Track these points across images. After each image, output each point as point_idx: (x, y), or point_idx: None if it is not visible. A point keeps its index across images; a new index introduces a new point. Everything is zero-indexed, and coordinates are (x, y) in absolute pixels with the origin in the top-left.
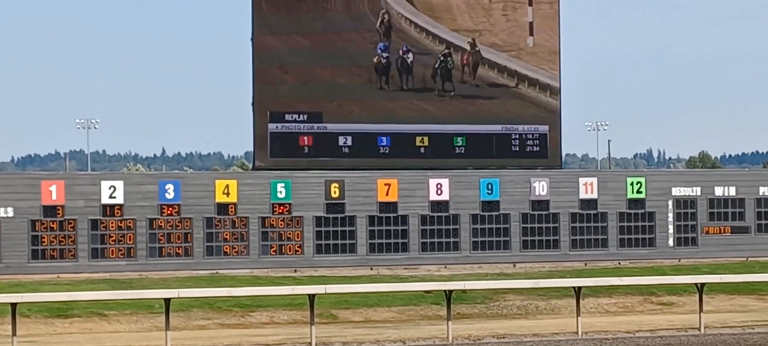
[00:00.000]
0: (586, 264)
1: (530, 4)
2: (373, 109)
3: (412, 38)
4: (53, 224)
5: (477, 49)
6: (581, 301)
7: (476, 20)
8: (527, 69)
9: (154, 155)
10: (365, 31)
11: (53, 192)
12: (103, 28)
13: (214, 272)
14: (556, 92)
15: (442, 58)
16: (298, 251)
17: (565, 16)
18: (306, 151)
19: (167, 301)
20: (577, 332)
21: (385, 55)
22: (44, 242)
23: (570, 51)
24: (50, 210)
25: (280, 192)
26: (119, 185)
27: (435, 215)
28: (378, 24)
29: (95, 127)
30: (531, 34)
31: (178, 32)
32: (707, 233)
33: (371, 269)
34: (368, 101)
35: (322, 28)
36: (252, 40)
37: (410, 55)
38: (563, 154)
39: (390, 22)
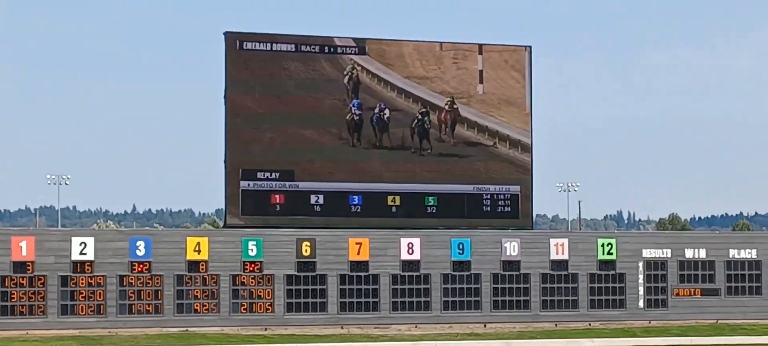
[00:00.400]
0: (556, 325)
1: (480, 53)
2: (345, 167)
3: (385, 97)
4: (23, 280)
5: (455, 107)
6: None
7: (427, 68)
8: (501, 125)
9: (125, 212)
10: (336, 90)
11: (23, 248)
12: (75, 83)
13: (185, 329)
14: (527, 149)
15: (419, 117)
16: (269, 309)
17: (536, 76)
18: (278, 209)
19: None
20: None
21: (358, 112)
22: (13, 298)
23: (541, 111)
24: (20, 266)
25: (252, 250)
26: (90, 241)
27: (406, 274)
28: (346, 81)
29: (66, 183)
30: (480, 82)
31: (150, 89)
32: (677, 295)
33: (342, 327)
34: (340, 160)
35: (293, 87)
36: (225, 97)
37: (387, 112)
38: (534, 215)
39: (358, 79)
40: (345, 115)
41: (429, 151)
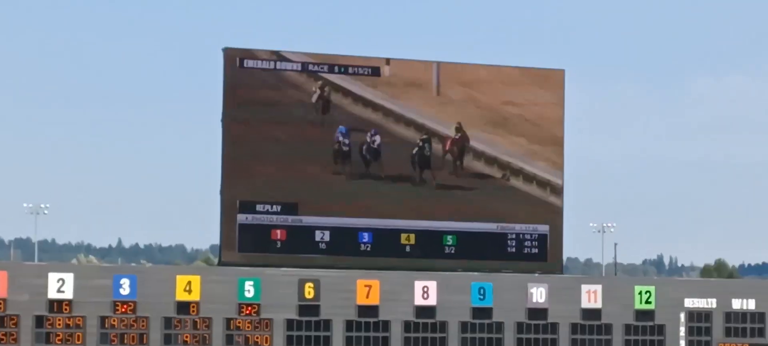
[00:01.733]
0: None
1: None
2: (353, 201)
3: (378, 124)
4: None
5: (465, 134)
6: None
7: (448, 92)
8: (525, 161)
9: (109, 246)
10: (356, 128)
11: None
12: (54, 103)
13: None
14: (557, 188)
15: (420, 145)
16: None
17: (569, 103)
18: (278, 246)
19: None
20: None
21: (346, 141)
22: None
23: (574, 143)
24: None
25: (248, 291)
26: (69, 277)
27: (420, 321)
28: (315, 99)
29: (44, 213)
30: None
31: (139, 111)
32: None
33: None
34: (348, 193)
35: (299, 111)
36: (222, 121)
37: (377, 138)
38: (564, 258)
39: (329, 97)
40: (333, 144)
41: (431, 182)
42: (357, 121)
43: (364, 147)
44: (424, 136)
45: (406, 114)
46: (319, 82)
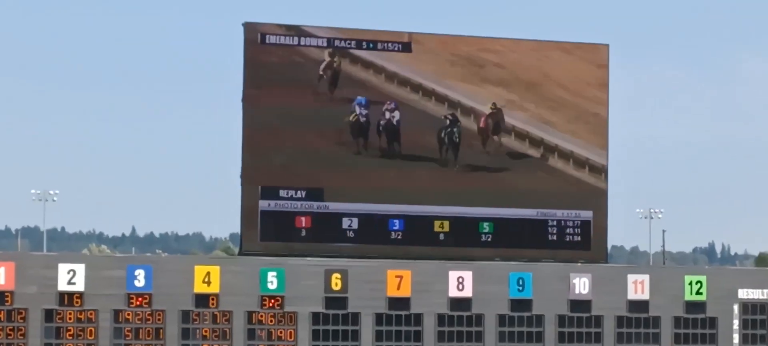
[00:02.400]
0: None
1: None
2: (383, 185)
3: (400, 96)
4: (0, 313)
5: (500, 109)
6: None
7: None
8: (566, 140)
9: (123, 235)
10: (375, 103)
11: (1, 275)
12: (62, 85)
13: None
14: (601, 170)
15: (448, 122)
16: None
17: (613, 82)
18: (303, 234)
19: None
20: None
21: (364, 111)
22: None
23: (619, 124)
24: None
25: (271, 282)
26: (80, 268)
27: (455, 314)
28: (322, 68)
29: (53, 200)
30: (545, 84)
31: (152, 91)
32: None
33: None
34: (377, 177)
35: (325, 90)
36: (243, 101)
37: (397, 113)
38: (609, 246)
39: (340, 68)
40: (349, 116)
41: (456, 167)
42: (377, 93)
43: (381, 123)
44: (451, 114)
45: (436, 88)
46: (330, 51)
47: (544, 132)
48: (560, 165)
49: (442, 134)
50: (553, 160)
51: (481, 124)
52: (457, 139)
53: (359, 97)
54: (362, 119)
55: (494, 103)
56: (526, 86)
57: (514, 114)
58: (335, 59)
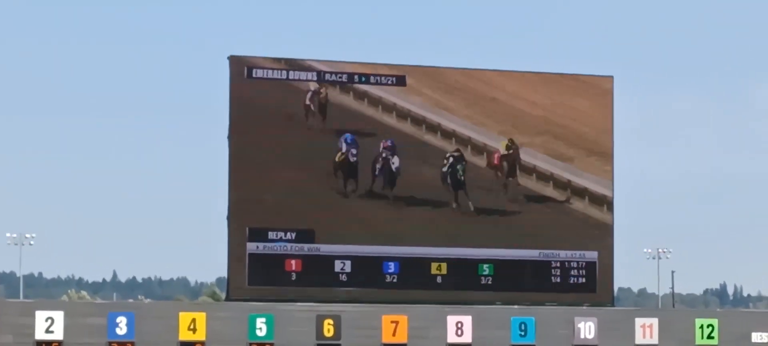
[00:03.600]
0: None
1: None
2: (377, 227)
3: (397, 130)
4: None
5: (516, 147)
6: None
7: (482, 104)
8: (570, 176)
9: (103, 280)
10: (369, 138)
11: None
12: (39, 122)
13: None
14: (606, 205)
15: (451, 160)
16: None
17: (618, 116)
18: (294, 278)
19: None
20: None
21: (353, 150)
22: None
23: (624, 160)
24: None
25: (260, 329)
26: (58, 316)
27: None
28: (307, 99)
29: (30, 244)
30: (548, 118)
31: (135, 127)
32: None
33: None
34: (371, 218)
35: (315, 127)
36: (229, 138)
37: (396, 160)
38: (616, 289)
39: (327, 99)
40: (335, 155)
41: (465, 203)
42: (373, 128)
43: (379, 165)
44: (456, 151)
45: (439, 122)
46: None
47: (549, 167)
48: (564, 202)
49: (446, 173)
50: (557, 197)
51: (495, 162)
52: (461, 178)
53: (346, 134)
54: (352, 159)
55: (511, 140)
56: (529, 119)
57: (524, 150)
58: (321, 90)
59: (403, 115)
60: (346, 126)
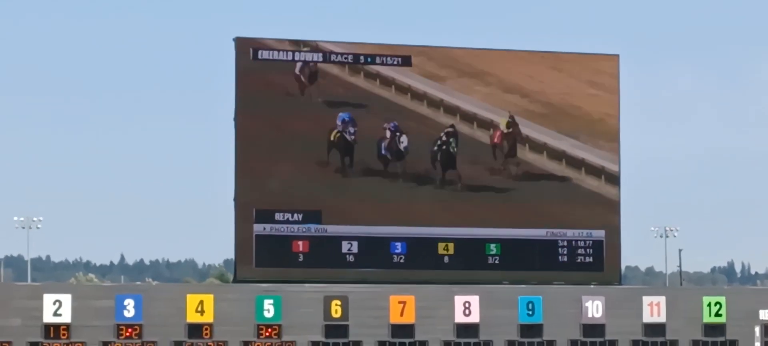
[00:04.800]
0: None
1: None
2: (384, 207)
3: (400, 107)
4: None
5: (516, 125)
6: None
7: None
8: (577, 152)
9: (111, 263)
10: (370, 114)
11: None
12: (46, 106)
13: None
14: (614, 181)
15: (443, 138)
16: None
17: (624, 94)
18: (301, 259)
19: None
20: None
21: (350, 129)
22: None
23: (631, 139)
24: None
25: (268, 310)
26: (66, 299)
27: (461, 341)
28: (298, 70)
29: (37, 228)
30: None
31: (142, 111)
32: None
33: None
34: (378, 198)
35: (321, 108)
36: (235, 120)
37: (405, 138)
38: (623, 267)
39: (316, 68)
40: (330, 134)
41: (457, 184)
42: (377, 108)
43: (384, 144)
44: (450, 129)
45: (443, 100)
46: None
47: (555, 146)
48: (572, 180)
49: (435, 148)
50: (564, 176)
51: (495, 140)
52: (454, 151)
53: (342, 114)
54: (349, 137)
55: (511, 117)
56: (536, 98)
57: (525, 125)
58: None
59: (407, 92)
60: (349, 104)
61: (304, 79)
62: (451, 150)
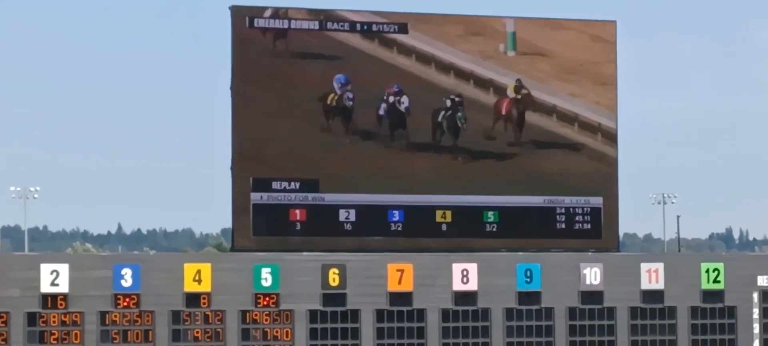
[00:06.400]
0: None
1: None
2: (382, 174)
3: (403, 70)
4: None
5: (526, 91)
6: None
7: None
8: (579, 119)
9: (108, 232)
10: (369, 83)
11: None
12: (40, 74)
13: None
14: (612, 144)
15: (449, 105)
16: None
17: (621, 61)
18: (298, 227)
19: None
20: None
21: (349, 95)
22: None
23: (628, 106)
24: None
25: (266, 279)
26: (64, 269)
27: (460, 308)
28: (294, 36)
29: (34, 198)
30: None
31: (137, 79)
32: None
33: None
34: (376, 165)
35: (318, 76)
36: (231, 88)
37: (405, 99)
38: (621, 234)
39: (313, 34)
40: (327, 98)
41: (457, 153)
42: (377, 71)
43: (383, 106)
44: (457, 97)
45: (443, 62)
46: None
47: (553, 114)
48: (569, 148)
49: (440, 118)
50: (562, 142)
51: (504, 111)
52: (462, 124)
53: (339, 75)
54: (348, 103)
55: (519, 82)
56: (534, 64)
57: (530, 88)
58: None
59: (409, 53)
60: (347, 69)
61: (300, 46)
62: (459, 124)
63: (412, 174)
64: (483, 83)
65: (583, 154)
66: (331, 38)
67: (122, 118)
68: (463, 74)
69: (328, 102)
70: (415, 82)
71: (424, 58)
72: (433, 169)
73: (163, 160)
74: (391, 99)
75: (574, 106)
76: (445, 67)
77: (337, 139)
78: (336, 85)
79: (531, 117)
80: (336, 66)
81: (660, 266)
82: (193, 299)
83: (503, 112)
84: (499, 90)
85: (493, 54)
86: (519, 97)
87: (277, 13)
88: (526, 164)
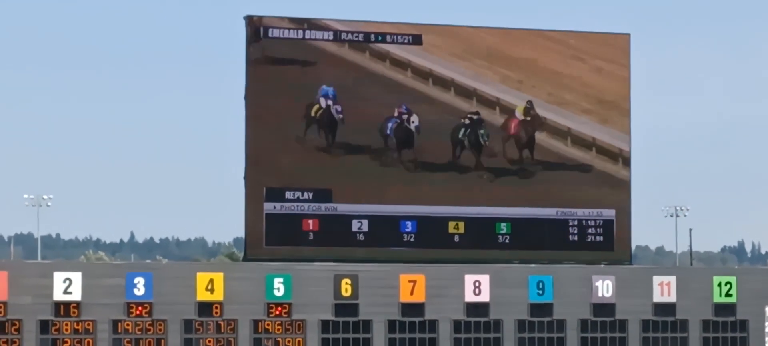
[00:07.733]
0: None
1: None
2: (395, 186)
3: (413, 90)
4: None
5: (534, 112)
6: None
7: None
8: (587, 130)
9: (121, 241)
10: (382, 93)
11: None
12: (56, 85)
13: None
14: (625, 158)
15: (468, 123)
16: None
17: (635, 74)
18: (311, 237)
19: None
20: None
21: (337, 109)
22: None
23: (641, 118)
24: None
25: (278, 289)
26: (76, 277)
27: (471, 320)
28: (308, 48)
29: (47, 206)
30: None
31: (152, 89)
32: None
33: None
34: (389, 177)
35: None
36: (245, 98)
37: (415, 118)
38: (633, 246)
39: (326, 46)
40: (311, 108)
41: (474, 169)
42: (388, 87)
43: (390, 125)
44: (475, 113)
45: (455, 81)
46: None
47: (566, 126)
48: (582, 160)
49: (461, 135)
50: (575, 156)
51: (512, 131)
52: (485, 141)
53: (325, 87)
54: (336, 115)
55: (529, 103)
56: (547, 78)
57: (540, 107)
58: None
59: (420, 73)
60: (357, 83)
61: (314, 57)
62: (482, 141)
63: (425, 187)
64: (491, 103)
65: (596, 167)
66: (344, 50)
67: (136, 126)
68: (476, 94)
69: (313, 113)
70: (424, 100)
71: (432, 76)
72: (444, 182)
73: (177, 169)
74: (399, 116)
75: (587, 128)
76: (453, 85)
77: (351, 149)
78: (320, 98)
79: (546, 135)
80: (349, 79)
81: (672, 279)
82: (205, 308)
83: (518, 131)
84: (509, 110)
85: (505, 77)
86: (529, 115)
87: (292, 23)
88: (539, 178)
